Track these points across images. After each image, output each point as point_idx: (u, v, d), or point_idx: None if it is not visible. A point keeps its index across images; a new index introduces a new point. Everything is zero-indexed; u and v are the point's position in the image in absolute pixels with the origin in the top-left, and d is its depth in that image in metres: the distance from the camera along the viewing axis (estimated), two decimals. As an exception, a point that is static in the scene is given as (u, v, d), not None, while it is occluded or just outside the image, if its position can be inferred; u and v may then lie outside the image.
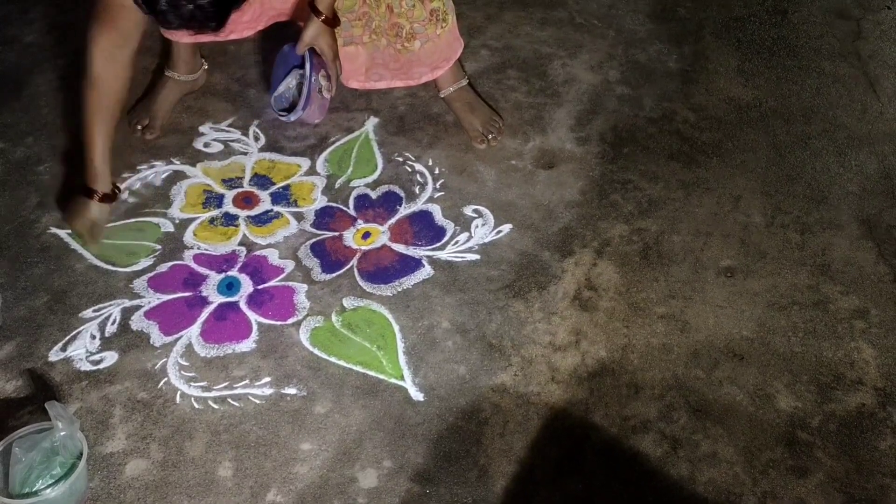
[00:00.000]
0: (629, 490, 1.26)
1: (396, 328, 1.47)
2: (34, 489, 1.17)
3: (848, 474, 1.27)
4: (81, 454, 1.20)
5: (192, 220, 1.66)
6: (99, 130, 1.53)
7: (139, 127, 1.82)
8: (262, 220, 1.66)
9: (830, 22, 2.25)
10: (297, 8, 1.77)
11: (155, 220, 1.65)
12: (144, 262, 1.57)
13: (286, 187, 1.73)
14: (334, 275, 1.56)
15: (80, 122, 1.56)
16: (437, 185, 1.74)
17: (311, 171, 1.77)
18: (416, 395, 1.37)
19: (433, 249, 1.61)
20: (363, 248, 1.61)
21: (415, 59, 1.74)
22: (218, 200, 1.70)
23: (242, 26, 1.80)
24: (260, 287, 1.53)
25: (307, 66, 1.66)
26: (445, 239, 1.63)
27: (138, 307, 1.49)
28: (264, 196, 1.71)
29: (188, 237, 1.62)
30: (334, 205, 1.70)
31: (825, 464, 1.28)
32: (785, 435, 1.32)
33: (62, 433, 1.19)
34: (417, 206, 1.70)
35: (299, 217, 1.67)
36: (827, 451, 1.30)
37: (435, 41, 1.72)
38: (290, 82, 1.75)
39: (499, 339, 1.46)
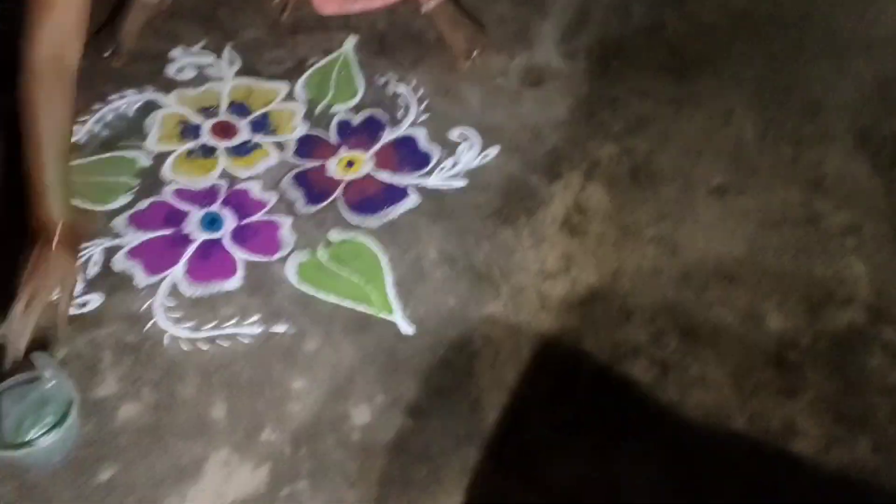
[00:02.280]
0: (620, 416, 1.27)
1: (384, 260, 1.45)
2: (27, 439, 1.17)
3: (837, 393, 1.28)
4: (72, 402, 1.20)
5: (169, 152, 1.61)
6: (48, 157, 1.32)
7: (105, 54, 1.75)
8: (241, 151, 1.61)
9: (828, -83, 2.14)
10: None
11: (130, 154, 1.60)
12: (123, 200, 1.53)
13: (265, 115, 1.67)
14: (319, 206, 1.52)
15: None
16: (421, 108, 1.69)
17: (290, 97, 1.71)
18: (406, 328, 1.36)
19: (419, 177, 1.57)
20: (347, 177, 1.57)
21: None
22: (195, 131, 1.64)
23: None
24: (243, 222, 1.50)
25: None
26: (431, 165, 1.59)
27: (120, 247, 1.46)
28: (242, 125, 1.66)
29: (166, 171, 1.58)
30: (315, 133, 1.65)
31: (814, 383, 1.29)
32: (774, 356, 1.32)
33: (51, 383, 1.19)
34: (401, 130, 1.65)
35: (280, 147, 1.62)
36: (816, 371, 1.31)
37: None
38: None
39: (487, 268, 1.44)
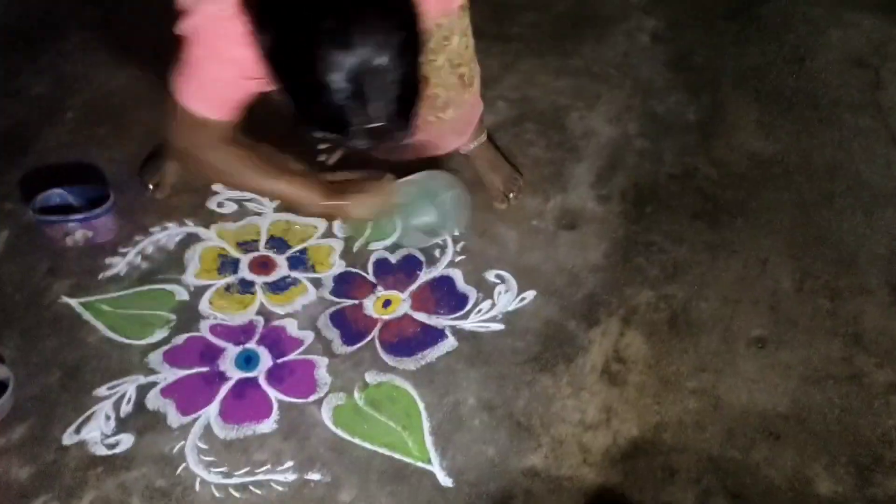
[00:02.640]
0: (668, 585, 1.21)
1: (421, 406, 1.42)
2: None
3: (893, 566, 1.23)
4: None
5: (207, 287, 1.62)
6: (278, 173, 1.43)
7: (150, 186, 1.78)
8: (279, 287, 1.62)
9: (849, 71, 2.22)
10: None
11: (169, 287, 1.61)
12: (159, 334, 1.52)
13: (303, 251, 1.69)
14: (355, 347, 1.52)
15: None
16: (458, 248, 1.70)
17: (328, 233, 1.73)
18: (445, 480, 1.32)
19: (456, 319, 1.56)
20: (384, 317, 1.57)
21: (446, 128, 1.69)
22: (233, 265, 1.66)
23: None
24: (279, 361, 1.49)
25: None
26: (468, 307, 1.59)
27: (154, 384, 1.45)
28: (281, 261, 1.67)
29: (204, 306, 1.58)
30: (353, 270, 1.66)
31: (869, 554, 1.24)
32: (827, 523, 1.28)
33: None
34: (438, 270, 1.65)
35: (318, 284, 1.63)
36: (870, 541, 1.26)
37: (462, 106, 1.67)
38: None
39: (527, 417, 1.41)
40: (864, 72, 2.22)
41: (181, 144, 1.39)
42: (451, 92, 1.60)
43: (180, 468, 1.33)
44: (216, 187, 1.82)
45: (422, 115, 1.64)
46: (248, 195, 1.80)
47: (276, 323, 1.55)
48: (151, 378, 1.45)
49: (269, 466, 1.33)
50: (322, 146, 1.60)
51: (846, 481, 1.33)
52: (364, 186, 1.49)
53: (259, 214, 1.76)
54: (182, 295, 1.59)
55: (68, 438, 1.36)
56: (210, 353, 1.50)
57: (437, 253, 1.69)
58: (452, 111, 1.64)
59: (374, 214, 1.53)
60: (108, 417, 1.39)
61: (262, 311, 1.57)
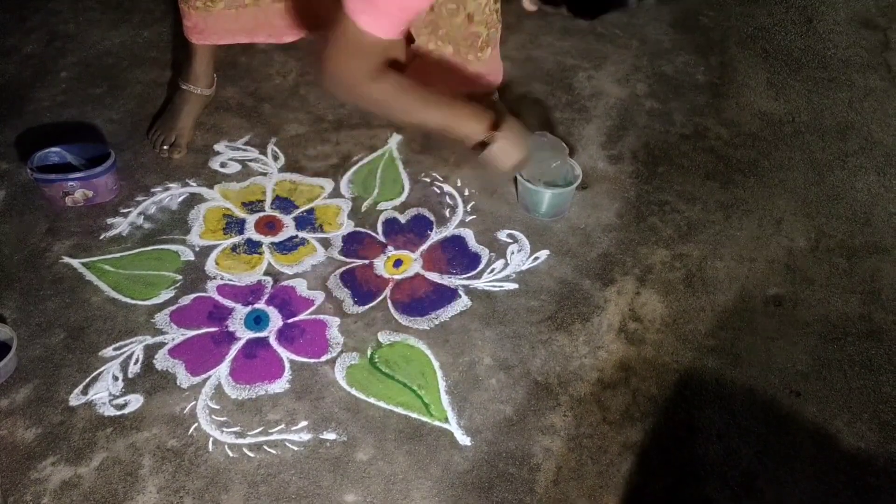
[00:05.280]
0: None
1: (436, 365, 1.39)
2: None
3: (918, 520, 1.22)
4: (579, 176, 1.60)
5: (213, 247, 1.57)
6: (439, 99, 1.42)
7: (165, 147, 1.73)
8: (287, 247, 1.58)
9: (857, 32, 2.19)
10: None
11: (174, 247, 1.56)
12: (165, 295, 1.48)
13: (310, 211, 1.65)
14: (367, 306, 1.48)
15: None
16: (468, 208, 1.67)
17: (336, 193, 1.69)
18: (463, 438, 1.29)
19: (469, 278, 1.53)
20: (396, 277, 1.53)
21: (483, 68, 1.70)
22: (239, 226, 1.61)
23: (283, 31, 1.75)
24: (290, 321, 1.45)
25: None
26: (481, 266, 1.55)
27: (162, 344, 1.41)
28: (288, 221, 1.63)
29: (210, 266, 1.54)
30: (362, 230, 1.62)
31: (893, 509, 1.23)
32: (852, 481, 1.26)
33: (556, 163, 1.59)
34: (449, 230, 1.62)
35: (326, 244, 1.59)
36: (894, 495, 1.25)
37: (497, 46, 1.69)
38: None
39: (544, 376, 1.39)
40: (873, 33, 2.19)
41: (342, 75, 1.33)
42: (491, 30, 1.60)
43: (192, 428, 1.29)
44: (217, 147, 1.77)
45: (462, 54, 1.63)
46: (252, 155, 1.76)
47: (285, 283, 1.51)
48: (159, 338, 1.41)
49: (283, 426, 1.30)
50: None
51: (869, 437, 1.31)
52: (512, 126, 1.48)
53: (264, 174, 1.72)
54: (187, 255, 1.55)
55: (75, 399, 1.32)
56: (218, 314, 1.46)
57: (447, 213, 1.66)
58: (490, 50, 1.63)
59: (517, 158, 1.51)
60: (115, 378, 1.35)
61: (269, 272, 1.53)
